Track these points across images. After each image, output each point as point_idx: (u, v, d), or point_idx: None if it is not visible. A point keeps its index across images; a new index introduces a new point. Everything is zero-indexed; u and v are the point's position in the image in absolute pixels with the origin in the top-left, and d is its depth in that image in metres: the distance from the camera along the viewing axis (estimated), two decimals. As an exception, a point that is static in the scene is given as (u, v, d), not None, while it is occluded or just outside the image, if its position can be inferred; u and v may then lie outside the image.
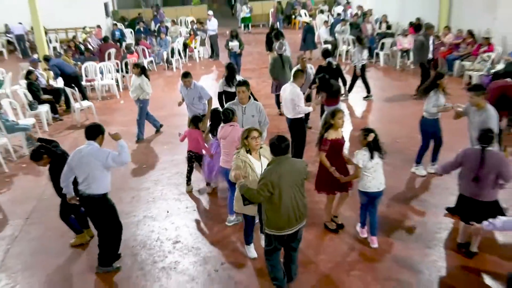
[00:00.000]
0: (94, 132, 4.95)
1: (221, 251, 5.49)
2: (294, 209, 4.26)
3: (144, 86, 8.87)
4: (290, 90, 7.01)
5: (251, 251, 5.30)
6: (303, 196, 4.38)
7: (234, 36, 12.16)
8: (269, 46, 12.51)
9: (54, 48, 17.50)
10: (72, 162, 4.91)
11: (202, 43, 17.25)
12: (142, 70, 9.07)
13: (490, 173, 4.65)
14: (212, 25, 16.83)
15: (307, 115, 8.41)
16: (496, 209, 4.72)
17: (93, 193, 4.88)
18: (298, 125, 7.26)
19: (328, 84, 7.58)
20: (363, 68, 10.82)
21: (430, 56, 11.28)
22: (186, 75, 7.78)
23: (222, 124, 5.91)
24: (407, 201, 6.48)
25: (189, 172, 7.07)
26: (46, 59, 11.99)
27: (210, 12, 18.50)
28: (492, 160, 4.66)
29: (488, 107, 5.82)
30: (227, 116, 5.76)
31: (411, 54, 13.87)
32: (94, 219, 5.14)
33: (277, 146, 4.23)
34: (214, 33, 16.72)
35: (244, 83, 6.22)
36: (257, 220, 5.35)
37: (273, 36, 11.34)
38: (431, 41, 11.22)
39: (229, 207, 5.92)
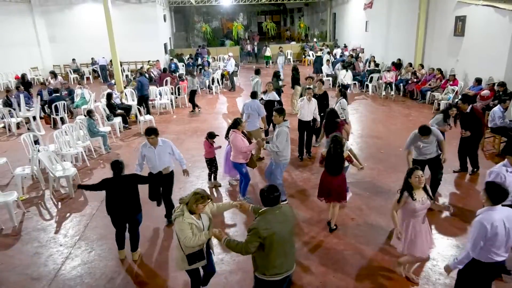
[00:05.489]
0: (156, 131, 5.36)
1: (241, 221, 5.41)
2: (285, 258, 3.29)
3: None
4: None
5: None
6: (293, 244, 3.43)
7: (278, 76, 11.74)
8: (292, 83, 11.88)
9: (127, 76, 17.83)
10: (144, 151, 5.39)
11: (235, 75, 17.09)
12: None
13: None
14: (231, 64, 16.43)
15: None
16: None
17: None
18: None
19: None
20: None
21: None
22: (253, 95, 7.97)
23: (232, 129, 6.01)
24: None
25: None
26: (141, 73, 12.63)
27: (230, 54, 18.28)
28: None
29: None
30: (235, 123, 5.90)
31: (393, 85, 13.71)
32: (168, 184, 5.60)
33: (266, 197, 3.25)
34: (231, 71, 16.33)
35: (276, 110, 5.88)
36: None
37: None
38: None
39: (241, 190, 6.16)
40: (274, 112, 5.81)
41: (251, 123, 7.61)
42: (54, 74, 15.30)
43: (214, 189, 6.92)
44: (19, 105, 11.54)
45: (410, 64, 14.22)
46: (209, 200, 3.57)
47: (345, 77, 12.99)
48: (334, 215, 5.35)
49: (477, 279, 3.45)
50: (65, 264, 4.90)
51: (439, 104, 11.22)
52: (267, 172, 6.09)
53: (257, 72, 11.24)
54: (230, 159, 6.30)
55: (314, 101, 7.74)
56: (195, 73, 15.22)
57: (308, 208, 6.01)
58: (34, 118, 10.36)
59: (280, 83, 11.35)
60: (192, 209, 3.50)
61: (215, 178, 7.03)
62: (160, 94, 12.94)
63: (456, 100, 10.53)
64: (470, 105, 6.87)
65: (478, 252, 3.28)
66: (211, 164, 6.91)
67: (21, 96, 11.49)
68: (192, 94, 12.54)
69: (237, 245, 3.29)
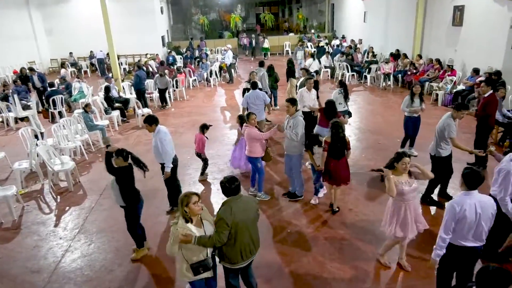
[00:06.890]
0: (148, 121, 5.36)
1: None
2: (249, 245, 3.40)
3: None
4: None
5: None
6: (256, 231, 3.50)
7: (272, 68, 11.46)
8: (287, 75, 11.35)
9: (124, 69, 17.73)
10: None
11: (233, 67, 16.97)
12: None
13: None
14: (228, 56, 16.28)
15: None
16: None
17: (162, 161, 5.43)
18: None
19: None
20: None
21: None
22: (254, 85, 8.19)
23: (244, 124, 6.02)
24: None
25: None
26: (138, 66, 12.68)
27: (229, 46, 18.16)
28: None
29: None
30: (243, 119, 5.99)
31: (391, 77, 13.67)
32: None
33: (227, 188, 3.33)
34: (229, 63, 16.23)
35: (288, 101, 5.72)
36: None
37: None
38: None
39: (258, 187, 6.11)
40: (287, 103, 5.66)
41: (258, 113, 7.53)
42: (62, 65, 16.31)
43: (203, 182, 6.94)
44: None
45: (406, 55, 14.16)
46: (197, 196, 3.28)
47: (312, 65, 13.28)
48: (335, 198, 5.57)
49: (452, 262, 3.48)
50: (64, 257, 4.94)
51: (437, 95, 11.21)
52: (287, 168, 6.02)
53: (261, 64, 11.18)
54: (238, 154, 6.57)
55: (313, 91, 7.84)
56: (173, 70, 14.90)
57: (305, 199, 6.04)
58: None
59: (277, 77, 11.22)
60: (185, 215, 3.25)
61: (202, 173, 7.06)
62: (158, 87, 12.91)
63: (455, 90, 10.61)
64: (491, 91, 6.75)
65: (450, 235, 3.32)
66: (205, 158, 6.97)
67: (15, 97, 10.75)
68: (161, 92, 12.27)
69: (210, 238, 3.22)
